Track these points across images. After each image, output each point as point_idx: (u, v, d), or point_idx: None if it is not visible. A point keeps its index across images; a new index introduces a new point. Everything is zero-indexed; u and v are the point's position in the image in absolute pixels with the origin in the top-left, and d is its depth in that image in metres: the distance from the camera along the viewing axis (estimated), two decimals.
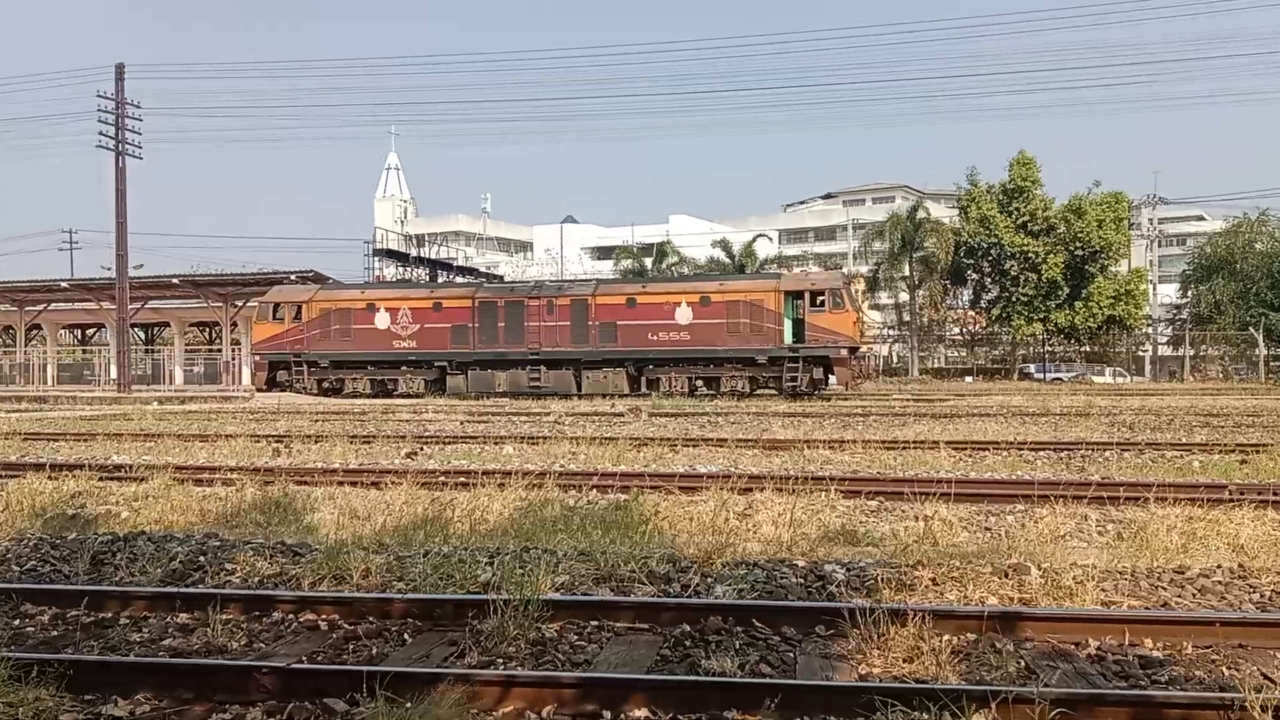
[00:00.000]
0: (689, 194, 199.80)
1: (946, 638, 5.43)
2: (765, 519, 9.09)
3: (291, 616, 6.10)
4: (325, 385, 37.65)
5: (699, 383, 34.70)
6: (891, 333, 67.63)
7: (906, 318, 62.35)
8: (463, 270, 53.18)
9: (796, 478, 10.52)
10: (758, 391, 35.05)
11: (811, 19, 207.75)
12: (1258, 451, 13.85)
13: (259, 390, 38.32)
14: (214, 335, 60.87)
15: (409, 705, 4.52)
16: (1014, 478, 11.47)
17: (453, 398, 35.49)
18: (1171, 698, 4.45)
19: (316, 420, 23.80)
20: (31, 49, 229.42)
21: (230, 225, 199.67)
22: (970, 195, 57.73)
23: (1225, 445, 14.63)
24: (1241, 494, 9.84)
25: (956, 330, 68.14)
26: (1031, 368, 59.33)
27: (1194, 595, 6.46)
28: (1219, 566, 7.09)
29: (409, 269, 48.90)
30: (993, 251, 55.73)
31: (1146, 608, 6.13)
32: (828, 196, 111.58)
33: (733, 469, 12.28)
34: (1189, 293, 62.32)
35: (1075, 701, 4.39)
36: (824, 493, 9.80)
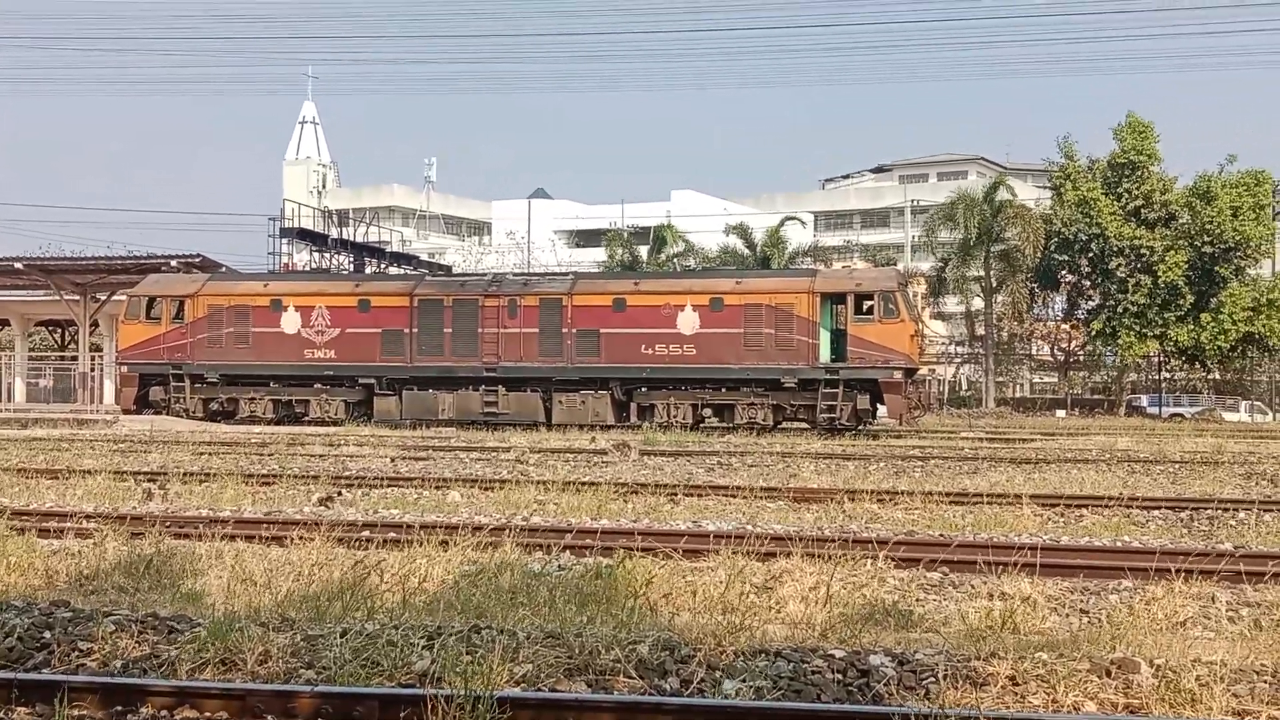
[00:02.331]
0: (696, 165, 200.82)
1: None
2: (792, 593, 9.08)
3: (165, 713, 6.08)
4: (214, 407, 37.64)
5: (707, 411, 34.77)
6: (960, 350, 67.83)
7: (980, 331, 62.52)
8: (398, 258, 53.19)
9: (834, 540, 10.52)
10: (784, 424, 35.07)
11: None
12: None
13: (126, 412, 38.26)
14: (68, 338, 60.79)
15: None
16: (1119, 545, 11.48)
17: (382, 426, 35.46)
18: None
19: (202, 453, 23.71)
20: None
21: (93, 195, 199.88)
22: (1065, 172, 57.93)
23: None
24: None
25: (1045, 349, 68.36)
26: (1143, 400, 59.48)
27: None
28: None
29: (327, 255, 48.87)
30: (1094, 246, 55.82)
31: None
32: (879, 170, 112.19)
33: (750, 527, 12.27)
34: None
35: None
36: (870, 560, 9.82)
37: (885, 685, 6.57)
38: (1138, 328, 55.51)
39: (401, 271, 49.24)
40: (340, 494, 15.96)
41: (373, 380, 36.53)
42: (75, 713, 5.96)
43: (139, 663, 7.07)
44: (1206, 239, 54.38)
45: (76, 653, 7.28)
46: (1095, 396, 64.08)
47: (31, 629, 7.73)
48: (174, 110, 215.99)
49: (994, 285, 59.60)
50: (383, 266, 50.00)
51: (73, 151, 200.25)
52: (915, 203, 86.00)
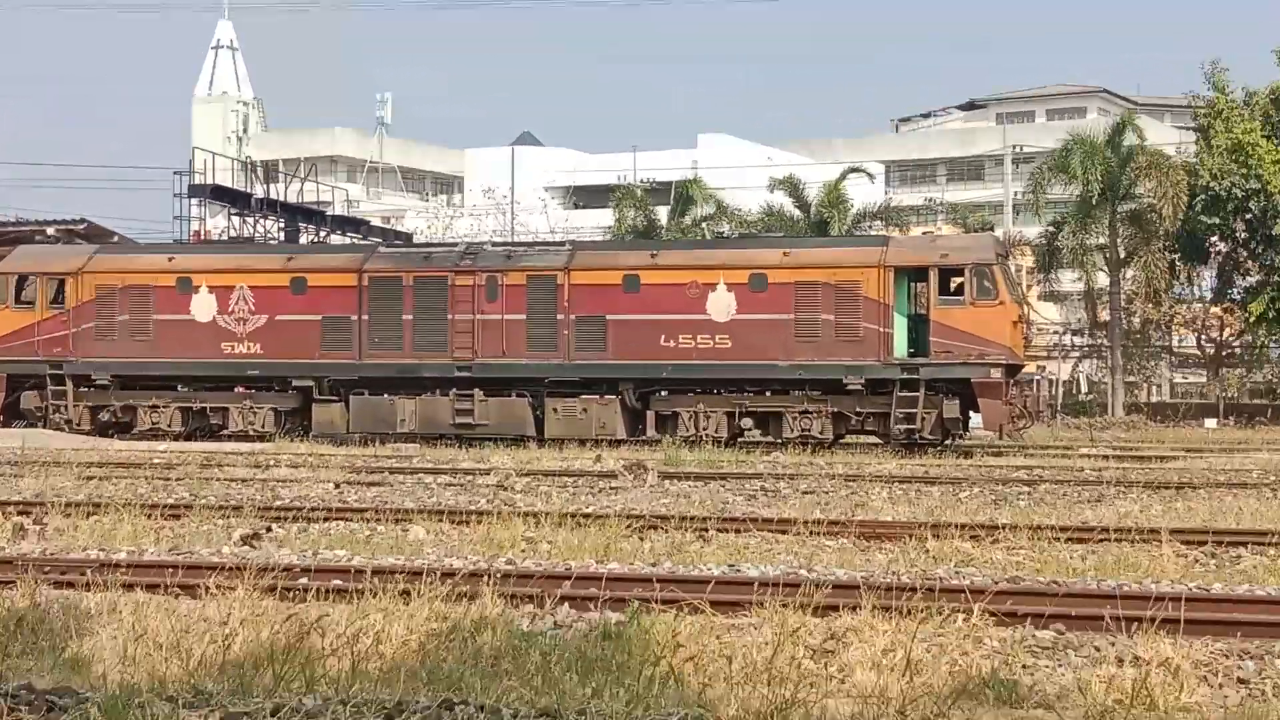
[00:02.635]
0: (730, 103, 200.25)
1: None
2: (860, 659, 9.08)
3: None
4: (105, 417, 37.71)
5: (746, 422, 34.76)
6: (1079, 341, 67.64)
7: (1105, 316, 62.33)
8: (344, 223, 53.28)
9: (914, 589, 10.50)
10: (847, 438, 35.03)
11: None
12: None
13: None
14: None
15: None
16: None
17: (324, 441, 35.52)
18: None
19: (90, 478, 23.74)
20: None
21: None
22: (1214, 108, 57.72)
23: None
24: None
25: (1190, 339, 68.10)
26: None
27: None
28: None
29: (251, 220, 48.96)
30: (1253, 204, 55.63)
31: None
32: (971, 107, 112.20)
33: (805, 572, 12.25)
34: None
35: None
36: (962, 615, 9.80)
37: None
38: None
39: (348, 241, 49.30)
40: (270, 530, 15.97)
41: (311, 382, 36.56)
42: None
43: None
44: None
45: None
46: (1256, 401, 63.81)
47: None
48: (47, 33, 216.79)
49: (1122, 256, 59.36)
50: (323, 235, 50.07)
51: None
52: (1018, 149, 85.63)
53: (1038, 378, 43.62)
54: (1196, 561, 13.77)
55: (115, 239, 45.13)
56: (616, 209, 65.93)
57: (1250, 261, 57.85)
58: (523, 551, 14.07)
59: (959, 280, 33.66)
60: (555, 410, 35.12)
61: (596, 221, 73.95)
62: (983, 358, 33.10)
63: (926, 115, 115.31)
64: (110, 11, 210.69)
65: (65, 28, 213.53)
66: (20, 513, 17.11)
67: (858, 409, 34.09)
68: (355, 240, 49.42)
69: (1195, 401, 64.91)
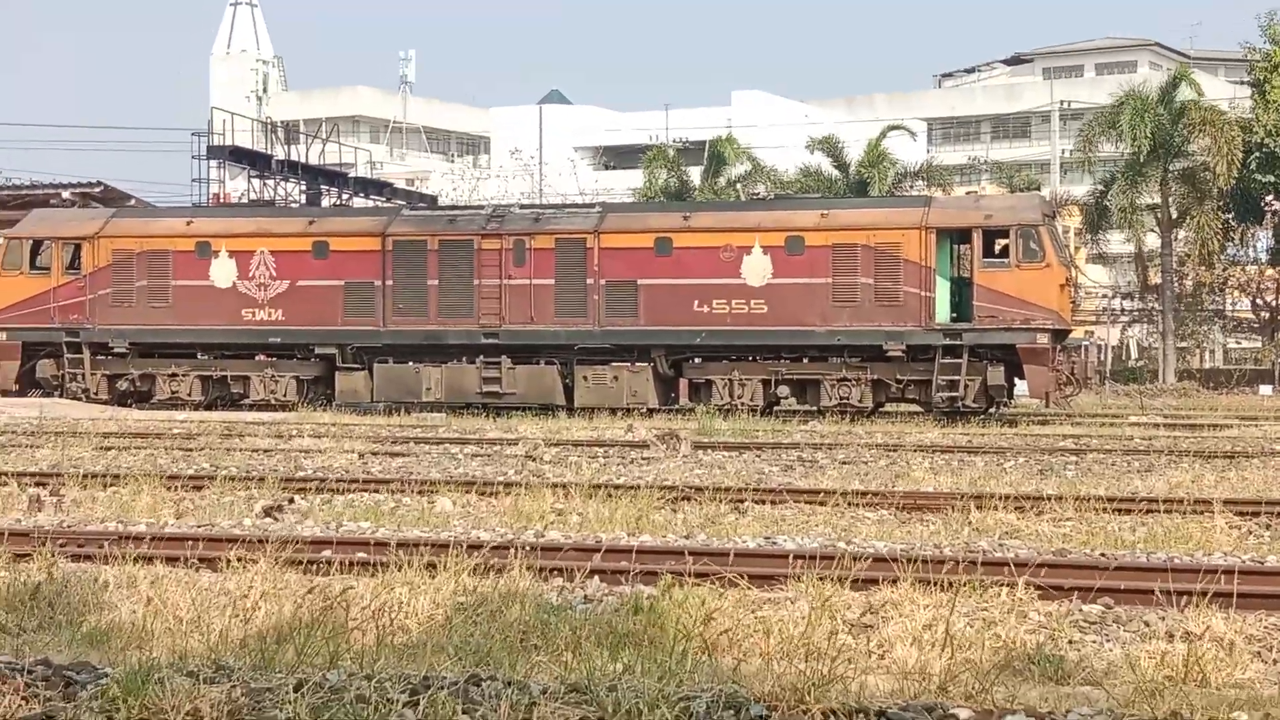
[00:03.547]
0: (765, 57, 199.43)
1: None
2: (900, 634, 9.08)
3: None
4: (123, 386, 37.85)
5: (783, 389, 34.71)
6: (1129, 305, 67.33)
7: (1156, 279, 62.05)
8: (367, 186, 53.31)
9: (957, 561, 10.50)
10: (888, 407, 34.97)
11: None
12: None
13: (5, 393, 38.54)
14: None
15: None
16: None
17: (347, 410, 35.62)
18: None
19: (108, 448, 23.85)
20: None
21: None
22: (1272, 61, 57.31)
23: None
24: None
25: (1246, 303, 67.73)
26: None
27: None
28: None
29: (271, 182, 49.04)
30: None
31: None
32: (1016, 61, 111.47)
33: (843, 544, 12.26)
34: None
35: None
36: (1006, 589, 9.78)
37: None
38: None
39: (371, 204, 49.31)
40: (292, 501, 16.01)
41: (334, 350, 36.64)
42: None
43: None
44: None
45: None
46: None
47: None
48: None
49: (1174, 217, 59.03)
50: (346, 198, 50.09)
51: None
52: (1066, 105, 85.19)
53: (1086, 343, 43.62)
54: (1250, 533, 13.72)
55: (132, 202, 45.24)
56: (647, 170, 65.85)
57: None
58: (551, 524, 14.09)
59: (1004, 242, 33.49)
60: (585, 378, 35.13)
61: (627, 183, 73.88)
62: (1028, 323, 32.96)
63: (970, 70, 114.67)
64: None
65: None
66: (37, 484, 17.18)
67: (898, 376, 33.99)
68: (379, 203, 49.44)
69: (1250, 368, 64.61)
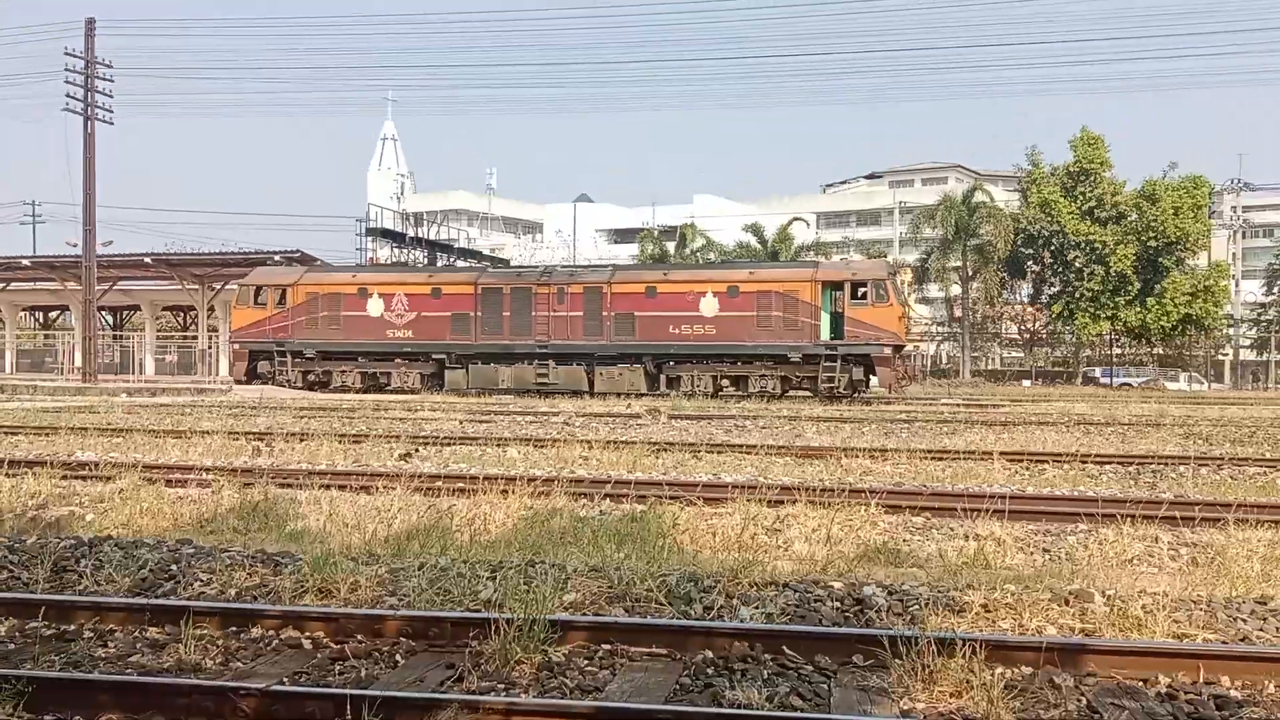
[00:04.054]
0: (716, 173, 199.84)
1: (999, 671, 5.42)
2: (798, 535, 9.09)
3: (272, 633, 6.14)
4: (311, 378, 37.85)
5: (725, 382, 34.68)
6: (941, 330, 67.41)
7: (958, 313, 62.11)
8: (465, 253, 53.29)
9: (833, 490, 10.50)
10: (790, 393, 35.01)
11: None
12: None
13: (238, 382, 38.55)
14: (189, 321, 61.27)
15: None
16: (1076, 494, 11.41)
17: (451, 394, 35.61)
18: None
19: (301, 416, 23.91)
20: None
21: (210, 200, 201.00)
22: (1031, 177, 57.40)
23: None
24: None
25: (1014, 328, 67.88)
26: (1097, 372, 59.11)
27: (1277, 629, 6.41)
28: None
29: (405, 251, 49.02)
30: (1055, 240, 55.34)
31: (1224, 642, 6.10)
32: (872, 177, 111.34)
33: (762, 479, 12.27)
34: (1276, 289, 61.80)
35: None
36: (864, 507, 9.77)
37: (877, 612, 6.57)
38: (1092, 310, 55.11)
39: (467, 264, 49.23)
40: (417, 451, 16.05)
41: (444, 356, 36.64)
42: (198, 632, 6.03)
43: (250, 591, 7.15)
44: (1151, 234, 53.97)
45: (199, 582, 7.37)
46: (1056, 369, 63.61)
47: (161, 563, 7.83)
48: (276, 129, 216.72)
49: (970, 274, 59.16)
50: (451, 260, 50.05)
51: (196, 164, 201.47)
52: (903, 204, 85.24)
53: (914, 353, 43.47)
54: (1017, 472, 13.74)
55: (317, 263, 45.09)
56: (640, 244, 66.11)
57: (1053, 278, 57.70)
58: (579, 465, 14.12)
59: (864, 290, 33.48)
60: (601, 374, 35.13)
61: (628, 252, 73.77)
62: (878, 340, 32.98)
63: (844, 182, 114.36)
64: (324, 117, 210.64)
65: (282, 131, 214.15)
66: (257, 439, 17.23)
67: (797, 374, 34.03)
68: (472, 264, 49.31)
69: (1016, 369, 64.69)
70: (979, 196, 58.41)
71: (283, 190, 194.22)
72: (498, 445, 16.74)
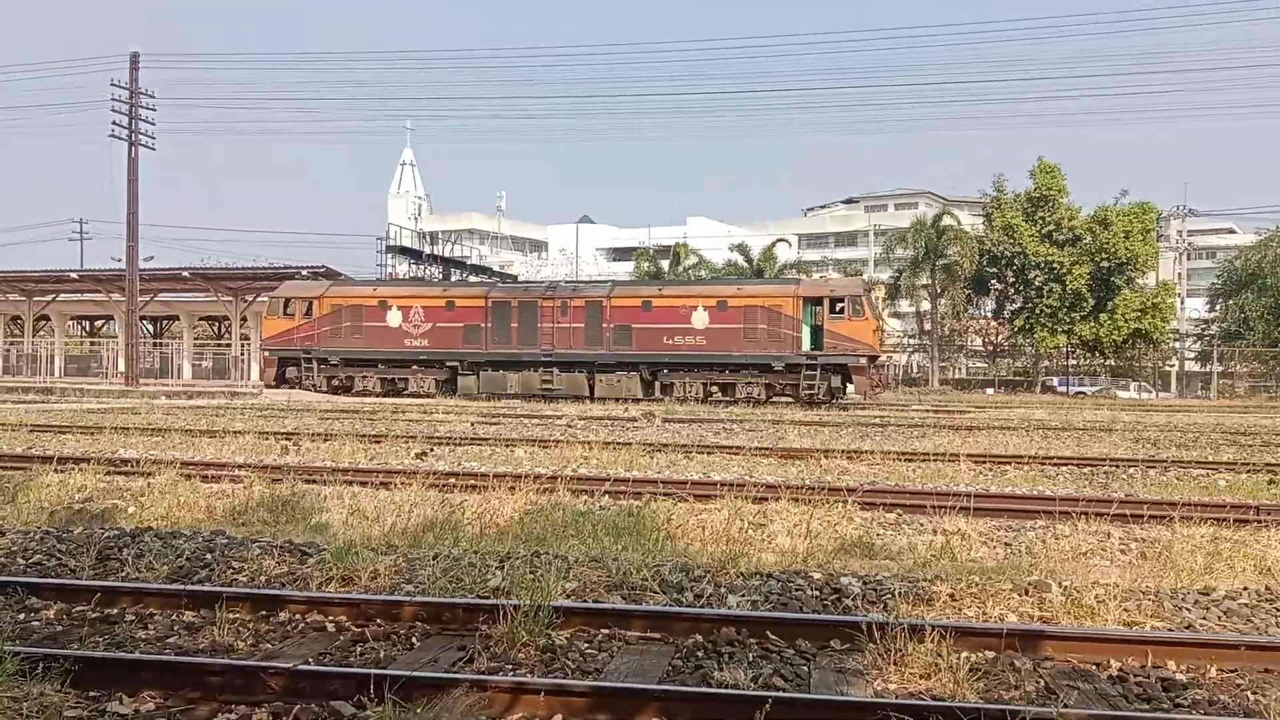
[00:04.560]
0: (708, 196, 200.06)
1: (965, 655, 5.42)
2: (780, 529, 9.08)
3: (299, 617, 6.13)
4: (335, 383, 37.75)
5: (714, 389, 34.62)
6: (912, 342, 67.40)
7: (928, 327, 62.14)
8: (476, 269, 53.32)
9: (813, 487, 10.50)
10: (774, 399, 34.98)
11: (832, 20, 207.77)
12: None
13: (268, 386, 38.46)
14: (223, 330, 61.22)
15: (418, 710, 4.54)
16: (1035, 493, 11.40)
17: (464, 398, 35.54)
18: None
19: (326, 418, 23.89)
20: (44, 34, 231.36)
21: (242, 220, 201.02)
22: (996, 203, 57.51)
23: (1253, 465, 14.50)
24: (1269, 514, 9.78)
25: (978, 341, 67.90)
26: (1054, 381, 59.13)
27: (1219, 618, 6.42)
28: (1245, 589, 7.05)
29: (422, 267, 49.06)
30: (1017, 261, 55.46)
31: (1170, 629, 6.11)
32: (849, 201, 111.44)
33: (748, 477, 12.26)
34: (1218, 307, 61.91)
35: None
36: (841, 504, 9.77)
37: (854, 600, 6.57)
38: (1050, 325, 55.24)
39: (479, 279, 49.26)
40: (432, 450, 16.04)
41: (457, 363, 36.52)
42: (231, 616, 6.02)
43: (279, 578, 7.14)
44: (1104, 256, 54.15)
45: (231, 570, 7.36)
46: (1017, 378, 63.59)
47: (197, 552, 7.82)
48: (304, 154, 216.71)
49: (938, 291, 59.21)
50: (464, 275, 50.07)
51: (232, 185, 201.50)
52: (877, 227, 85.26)
53: (887, 363, 43.50)
54: (981, 473, 13.75)
55: (341, 277, 45.00)
56: (637, 262, 66.04)
57: (1015, 295, 57.76)
58: (581, 464, 14.11)
59: (841, 305, 33.45)
60: (601, 380, 35.04)
61: (626, 269, 73.76)
62: (855, 351, 32.97)
63: (823, 206, 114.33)
64: (348, 144, 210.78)
65: (311, 156, 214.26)
66: (285, 438, 17.21)
67: (780, 381, 33.93)
68: (483, 279, 49.29)
69: (980, 378, 64.70)
70: (947, 220, 58.52)
71: (311, 210, 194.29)
72: (506, 445, 16.74)
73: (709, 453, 15.90)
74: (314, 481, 11.33)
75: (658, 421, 23.67)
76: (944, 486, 11.80)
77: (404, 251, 49.62)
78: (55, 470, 11.63)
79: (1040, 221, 55.24)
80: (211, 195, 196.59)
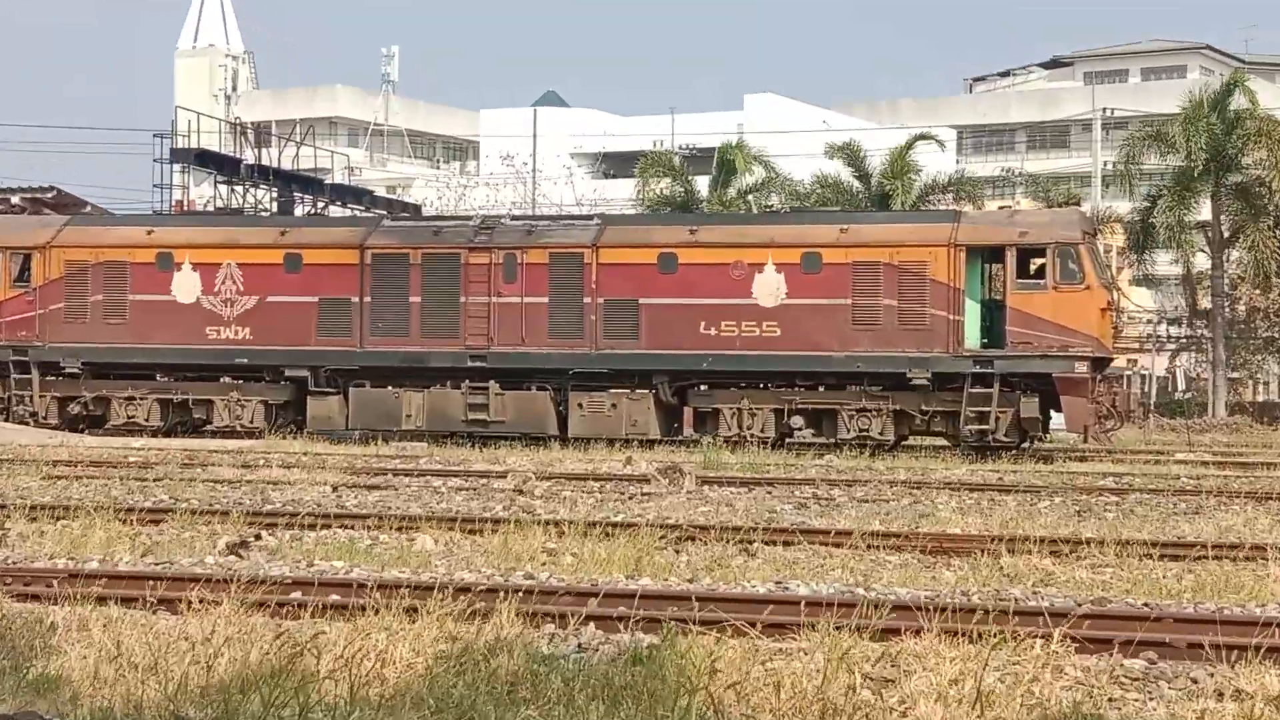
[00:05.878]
0: (780, 60, 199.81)
1: None
2: (925, 689, 9.06)
3: None
4: (75, 410, 37.76)
5: (797, 420, 34.60)
6: (1176, 332, 67.30)
7: (1206, 303, 62.03)
8: (344, 193, 53.26)
9: (987, 611, 10.49)
10: (911, 440, 34.93)
11: None
12: None
13: None
14: None
15: None
16: None
17: (319, 438, 35.56)
18: None
19: (59, 477, 23.81)
20: None
21: None
22: None
23: None
24: None
25: None
26: None
27: None
28: None
29: (240, 188, 49.05)
30: None
31: None
32: (1054, 65, 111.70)
33: (862, 591, 12.24)
34: None
35: None
36: (1040, 641, 9.76)
37: None
38: None
39: (349, 213, 49.22)
40: (259, 538, 15.97)
41: (306, 372, 36.51)
42: None
43: None
44: None
45: None
46: None
47: None
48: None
49: (1227, 236, 59.00)
50: (321, 206, 50.03)
51: None
52: (1109, 113, 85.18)
53: (1128, 373, 43.50)
54: None
55: (88, 209, 45.20)
56: (643, 177, 65.00)
57: None
58: (543, 565, 14.05)
59: (1040, 261, 33.41)
60: (580, 406, 35.03)
61: (629, 193, 73.60)
62: (1066, 350, 32.87)
63: (1004, 74, 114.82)
64: None
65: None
66: None
67: (923, 407, 33.84)
68: (357, 213, 49.22)
69: None
70: (1242, 100, 58.30)
71: (25, 89, 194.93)
72: (400, 529, 16.68)
73: (787, 544, 15.87)
74: (35, 598, 11.30)
75: (689, 483, 23.62)
76: (1239, 609, 11.76)
77: (205, 159, 49.52)
78: None
79: None
80: None
